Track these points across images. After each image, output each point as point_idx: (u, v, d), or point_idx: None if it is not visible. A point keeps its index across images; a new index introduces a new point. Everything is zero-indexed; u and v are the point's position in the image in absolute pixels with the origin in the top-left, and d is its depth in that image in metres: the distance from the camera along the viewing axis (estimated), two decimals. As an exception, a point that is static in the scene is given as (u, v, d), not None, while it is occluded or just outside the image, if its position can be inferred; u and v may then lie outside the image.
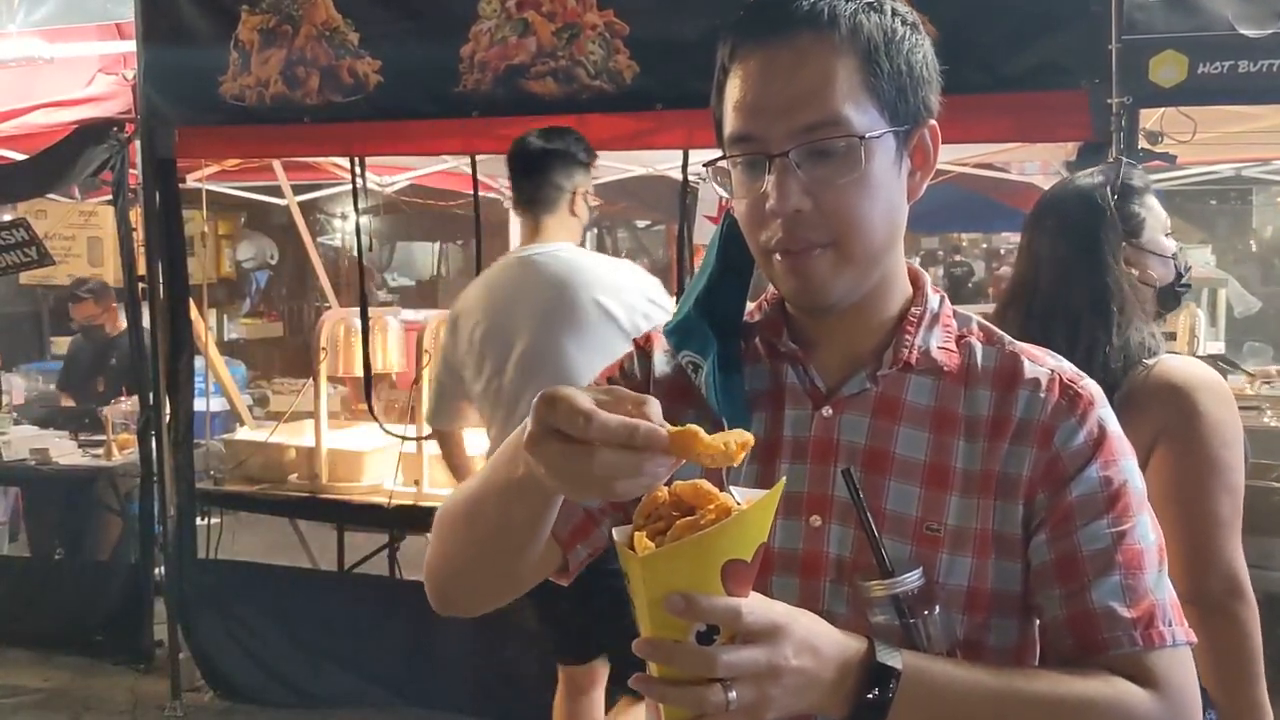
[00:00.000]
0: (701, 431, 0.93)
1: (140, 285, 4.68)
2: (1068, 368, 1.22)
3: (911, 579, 1.11)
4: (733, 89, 1.15)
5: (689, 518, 0.96)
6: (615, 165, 6.59)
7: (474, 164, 4.30)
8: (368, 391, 4.53)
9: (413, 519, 4.56)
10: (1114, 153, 3.34)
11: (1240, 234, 12.58)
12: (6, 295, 8.88)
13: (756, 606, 0.97)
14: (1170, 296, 2.33)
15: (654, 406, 0.94)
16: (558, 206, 3.25)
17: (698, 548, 0.94)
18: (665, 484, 0.99)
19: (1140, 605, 1.13)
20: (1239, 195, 11.58)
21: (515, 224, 7.30)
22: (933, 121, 1.19)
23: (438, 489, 4.40)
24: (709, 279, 1.30)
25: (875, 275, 1.18)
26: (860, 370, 1.21)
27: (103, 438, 5.60)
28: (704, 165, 1.21)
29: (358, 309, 4.64)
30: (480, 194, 4.30)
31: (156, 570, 4.97)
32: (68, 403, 6.46)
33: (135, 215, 4.81)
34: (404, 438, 4.41)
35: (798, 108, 1.11)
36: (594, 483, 0.93)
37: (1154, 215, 2.31)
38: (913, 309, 1.23)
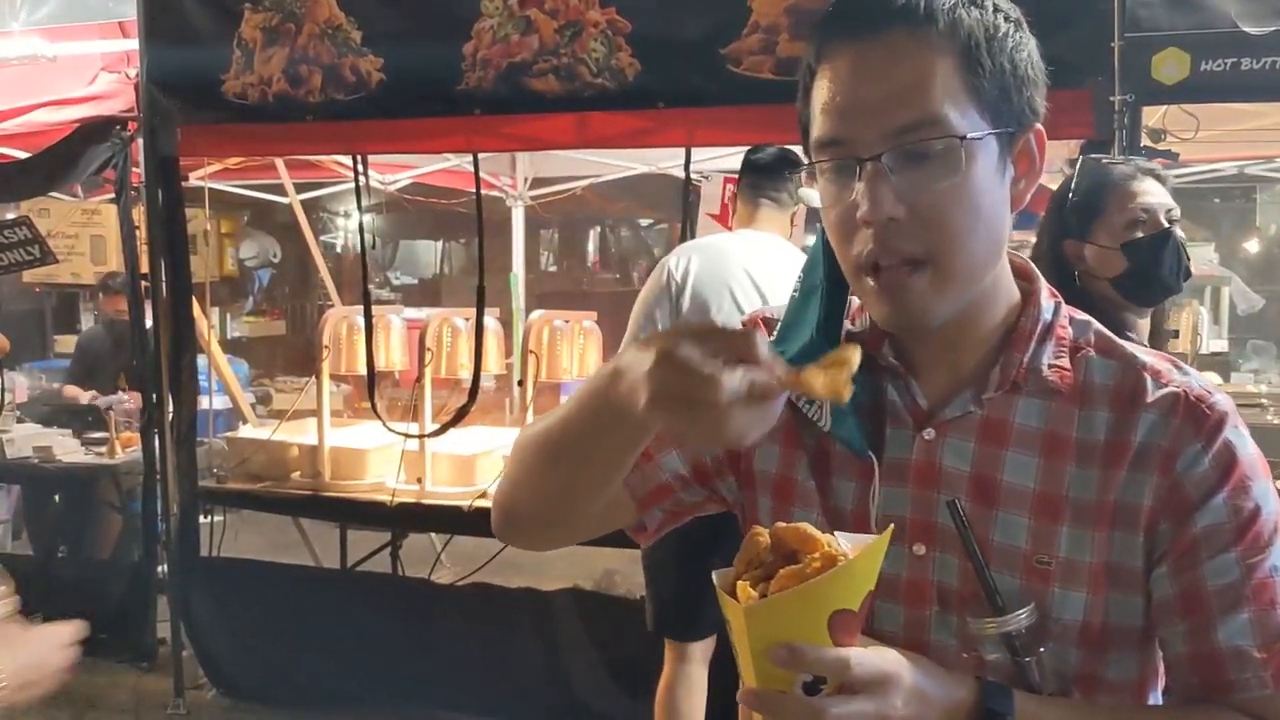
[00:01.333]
0: (816, 374, 0.90)
1: (143, 283, 4.69)
2: (1196, 383, 1.11)
3: (1022, 617, 1.06)
4: (820, 91, 1.08)
5: (793, 566, 0.92)
6: (617, 163, 6.61)
7: (476, 162, 4.29)
8: (371, 389, 4.53)
9: (415, 517, 4.57)
10: (1116, 151, 3.34)
11: (1243, 232, 12.55)
12: (9, 294, 8.89)
13: (865, 657, 0.94)
14: (1134, 291, 2.36)
15: (761, 339, 0.91)
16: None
17: (803, 599, 0.91)
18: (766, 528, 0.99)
19: (1273, 645, 1.05)
20: (1242, 193, 11.56)
21: (518, 222, 7.33)
22: (1039, 125, 1.11)
23: (440, 487, 4.41)
24: (825, 300, 1.20)
25: (977, 292, 1.10)
26: (965, 390, 1.13)
27: (105, 436, 5.60)
28: (790, 174, 1.19)
29: (360, 307, 4.64)
30: (482, 192, 4.29)
31: (159, 568, 4.97)
32: (73, 393, 6.43)
33: (138, 214, 4.81)
34: (407, 435, 4.41)
35: (892, 108, 1.03)
36: (724, 438, 0.90)
37: (1122, 199, 2.36)
38: (1022, 320, 1.13)
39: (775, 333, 1.23)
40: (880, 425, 1.16)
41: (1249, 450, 1.09)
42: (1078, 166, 2.46)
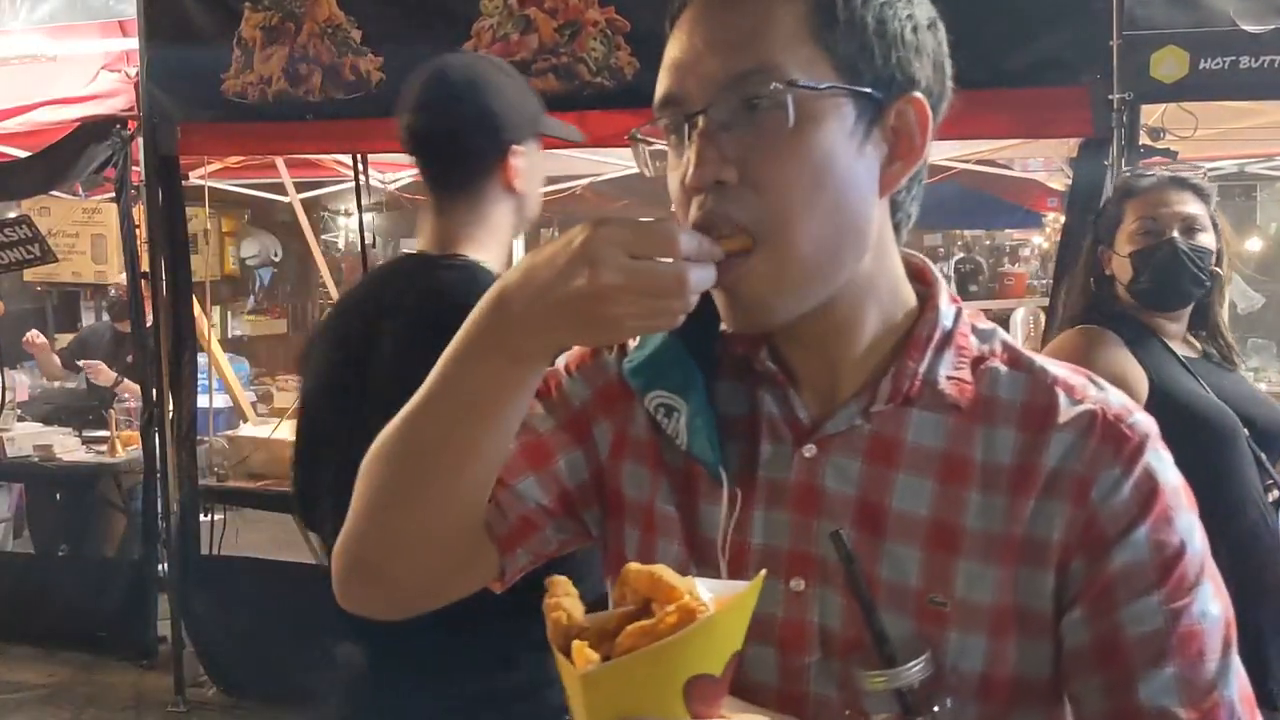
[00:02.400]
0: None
1: (143, 282, 4.70)
2: (1115, 400, 0.97)
3: (915, 670, 0.90)
4: (666, 52, 0.97)
5: (643, 622, 0.75)
6: (616, 162, 6.61)
7: (476, 160, 4.29)
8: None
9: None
10: (1115, 149, 3.34)
11: (1243, 230, 12.54)
12: (10, 292, 8.89)
13: None
14: (1147, 297, 2.43)
15: (680, 232, 0.85)
16: None
17: (654, 662, 0.74)
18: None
19: (1201, 704, 0.90)
20: (1242, 191, 11.55)
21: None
22: (918, 95, 0.94)
23: (440, 485, 4.41)
24: None
25: (834, 282, 0.95)
26: (851, 402, 0.98)
27: (106, 434, 5.61)
28: (628, 137, 1.02)
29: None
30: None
31: (160, 566, 4.97)
32: (69, 370, 6.44)
33: (138, 212, 4.82)
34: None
35: (723, 58, 0.91)
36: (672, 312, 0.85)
37: (1137, 209, 2.46)
38: (918, 326, 0.99)
39: (638, 339, 1.07)
40: (755, 440, 1.01)
41: (1172, 478, 0.94)
42: (1115, 177, 2.62)
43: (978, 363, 0.99)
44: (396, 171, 6.80)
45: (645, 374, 1.05)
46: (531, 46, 3.76)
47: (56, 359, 6.69)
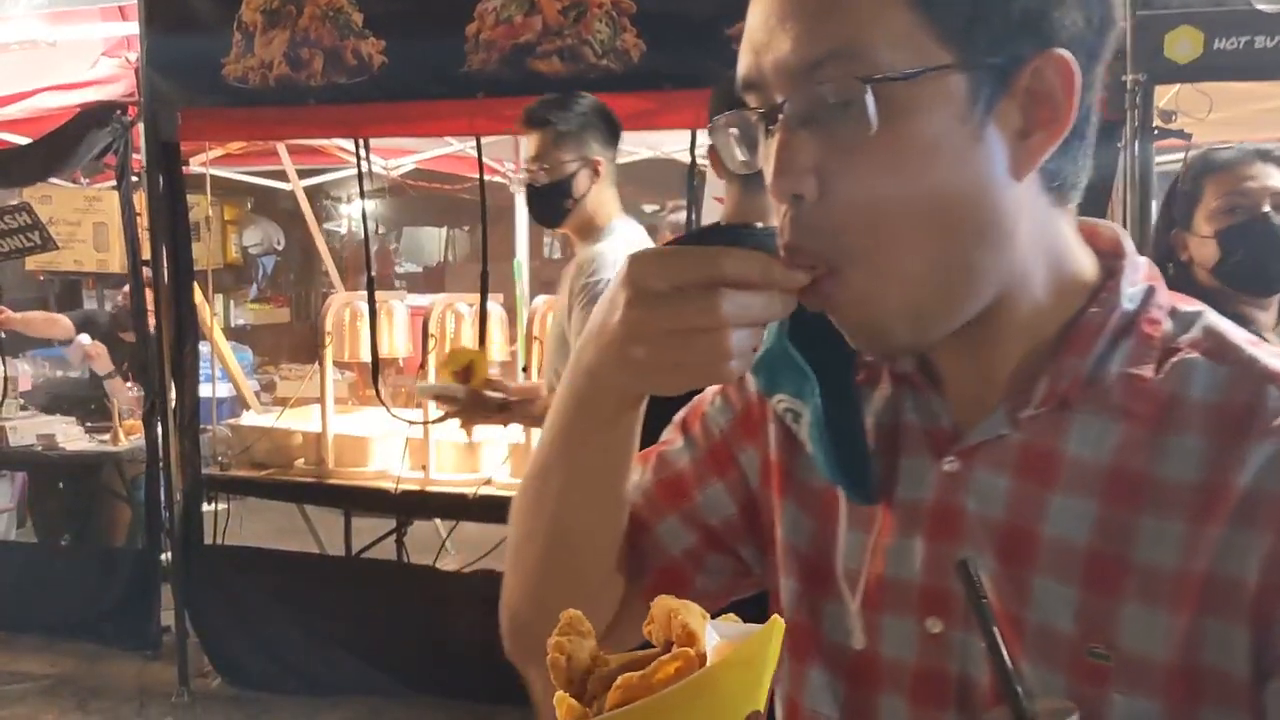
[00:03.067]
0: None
1: (145, 270, 4.67)
2: None
3: None
4: (747, 18, 0.79)
5: (635, 673, 0.62)
6: (621, 148, 6.55)
7: (479, 145, 4.26)
8: (375, 376, 4.50)
9: (419, 504, 4.54)
10: (1129, 131, 3.30)
11: (1252, 216, 12.49)
12: (13, 281, 8.86)
13: None
14: (1236, 280, 2.22)
15: (747, 256, 0.74)
16: None
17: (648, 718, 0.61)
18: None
19: None
20: (1251, 176, 11.49)
21: (521, 208, 7.29)
22: (1058, 52, 0.74)
23: (445, 474, 4.38)
24: None
25: (975, 290, 0.77)
26: (1000, 405, 0.81)
27: (109, 423, 5.58)
28: (709, 129, 0.87)
29: (363, 293, 4.61)
30: (486, 177, 4.26)
31: (163, 556, 4.95)
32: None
33: (139, 199, 4.78)
34: (411, 422, 4.39)
35: (799, 35, 0.73)
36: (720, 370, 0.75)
37: (1220, 185, 2.26)
38: (1090, 310, 0.80)
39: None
40: (895, 453, 0.86)
41: None
42: (1187, 156, 2.40)
43: (1169, 353, 0.79)
44: (399, 158, 6.77)
45: (764, 372, 0.90)
46: (535, 28, 3.71)
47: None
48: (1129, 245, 0.84)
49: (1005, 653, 0.69)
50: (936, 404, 0.85)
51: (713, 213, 4.07)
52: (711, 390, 1.01)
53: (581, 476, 0.88)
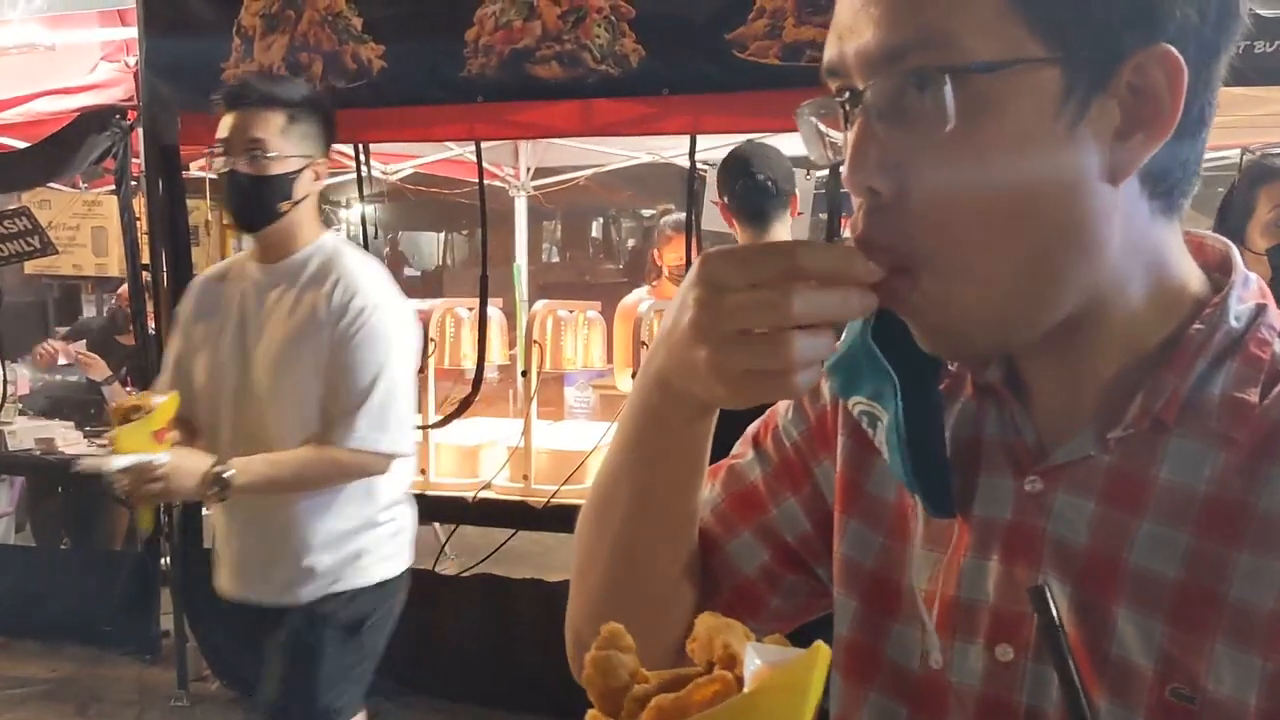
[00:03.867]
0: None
1: (144, 274, 4.67)
2: None
3: None
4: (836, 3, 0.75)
5: (668, 695, 0.59)
6: (620, 152, 6.58)
7: (479, 150, 4.27)
8: (373, 380, 4.49)
9: (418, 508, 4.53)
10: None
11: (1249, 220, 12.52)
12: (12, 285, 8.86)
13: None
14: None
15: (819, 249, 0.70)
16: None
17: None
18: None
19: None
20: (1248, 181, 11.51)
21: (521, 212, 7.30)
22: (1165, 46, 0.68)
23: (443, 477, 4.38)
24: None
25: (1061, 298, 0.73)
26: (1090, 425, 0.77)
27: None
28: (795, 114, 0.80)
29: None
30: (485, 182, 4.26)
31: (163, 560, 4.95)
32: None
33: (139, 204, 4.78)
34: (410, 426, 4.38)
35: (881, 20, 0.70)
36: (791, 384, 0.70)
37: (1269, 199, 2.07)
38: (1195, 326, 0.75)
39: None
40: (975, 469, 0.82)
41: None
42: (1242, 160, 2.21)
43: (1278, 379, 0.73)
44: (399, 162, 6.77)
45: (842, 372, 0.84)
46: (535, 33, 3.71)
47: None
48: (1238, 260, 0.79)
49: (1080, 686, 0.66)
50: (1021, 419, 0.80)
51: (713, 217, 4.08)
52: (784, 403, 0.97)
53: (649, 488, 0.85)
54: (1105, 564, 0.74)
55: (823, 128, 0.79)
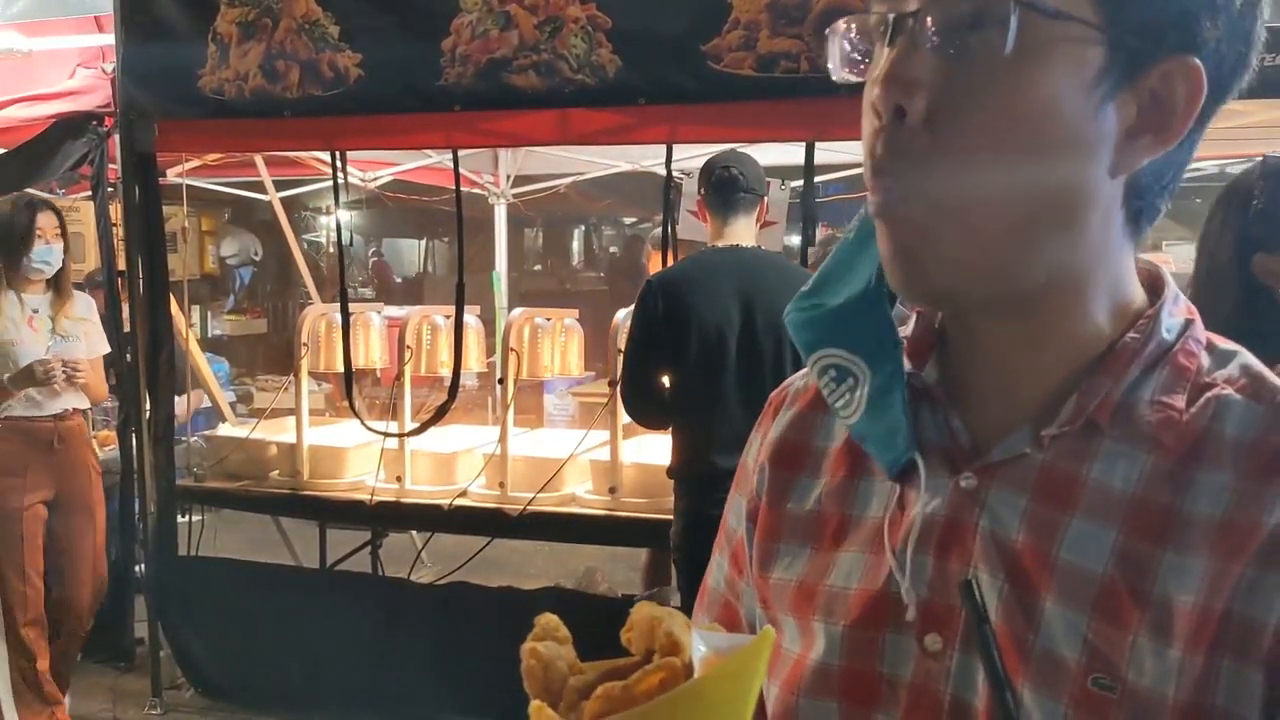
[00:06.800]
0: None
1: (120, 280, 4.67)
2: None
3: None
4: None
5: (615, 683, 0.59)
6: (599, 161, 6.60)
7: (456, 158, 4.28)
8: (348, 387, 4.50)
9: (395, 516, 4.55)
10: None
11: (1225, 231, 12.58)
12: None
13: None
14: None
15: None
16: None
17: None
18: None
19: None
20: (1224, 192, 11.59)
21: (500, 220, 7.31)
22: (1195, 61, 0.73)
23: (420, 485, 4.38)
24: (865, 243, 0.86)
25: (1021, 265, 0.76)
26: (1025, 424, 0.80)
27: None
28: (828, 31, 0.81)
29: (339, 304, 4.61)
30: (465, 190, 4.27)
31: (137, 568, 4.93)
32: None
33: (115, 210, 4.77)
34: (385, 434, 4.39)
35: None
36: None
37: None
38: (1130, 335, 0.79)
39: (810, 284, 0.90)
40: (910, 471, 0.84)
41: None
42: (1263, 165, 2.07)
43: (1203, 389, 0.78)
44: (377, 170, 6.77)
45: (822, 326, 0.87)
46: (512, 43, 3.73)
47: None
48: (1169, 279, 0.83)
49: (1004, 677, 0.69)
50: (955, 421, 0.83)
51: (690, 227, 4.10)
52: (728, 503, 0.99)
53: None
54: (1036, 558, 0.76)
55: (850, 44, 0.80)
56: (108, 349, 4.51)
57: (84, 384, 4.28)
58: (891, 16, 0.74)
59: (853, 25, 0.79)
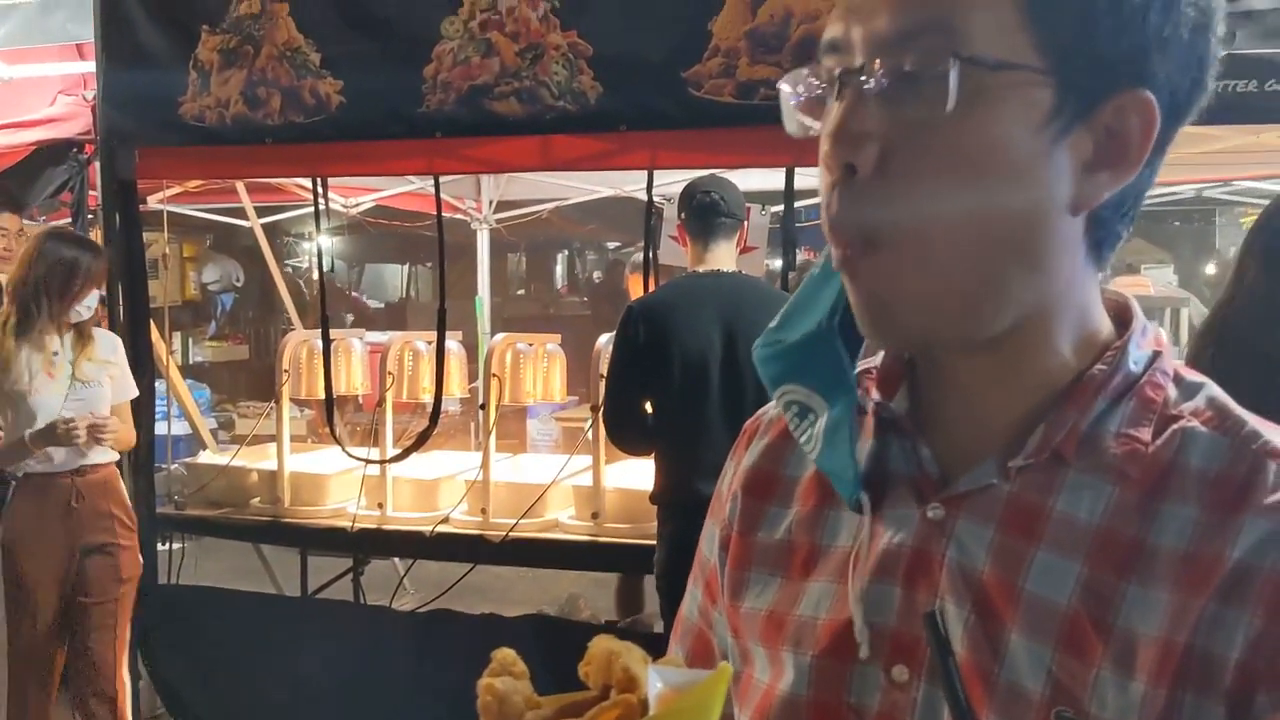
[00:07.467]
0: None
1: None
2: None
3: None
4: None
5: (575, 719, 0.60)
6: (582, 186, 6.62)
7: (438, 184, 4.28)
8: (329, 413, 4.49)
9: (376, 543, 4.52)
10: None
11: (1202, 254, 12.73)
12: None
13: None
14: None
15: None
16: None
17: None
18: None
19: None
20: (1201, 216, 11.72)
21: (483, 245, 7.32)
22: (1146, 94, 0.74)
23: (401, 512, 4.36)
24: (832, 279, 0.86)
25: (992, 307, 0.76)
26: (992, 455, 0.80)
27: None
28: (778, 85, 0.81)
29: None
30: (448, 215, 4.27)
31: (116, 596, 4.88)
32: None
33: (95, 236, 4.76)
34: (366, 460, 4.37)
35: (900, 7, 0.73)
36: None
37: None
38: (1098, 367, 0.79)
39: (776, 319, 0.91)
40: (878, 502, 0.84)
41: None
42: None
43: (1169, 421, 0.78)
44: (359, 196, 6.77)
45: (784, 362, 0.88)
46: (493, 70, 3.74)
47: None
48: (1138, 310, 0.84)
49: (966, 709, 0.69)
50: (924, 451, 0.83)
51: (670, 252, 4.11)
52: (703, 531, 1.00)
53: None
54: (1001, 590, 0.77)
55: (795, 102, 0.81)
56: (135, 393, 4.22)
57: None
58: (838, 71, 0.76)
59: (799, 83, 0.80)
